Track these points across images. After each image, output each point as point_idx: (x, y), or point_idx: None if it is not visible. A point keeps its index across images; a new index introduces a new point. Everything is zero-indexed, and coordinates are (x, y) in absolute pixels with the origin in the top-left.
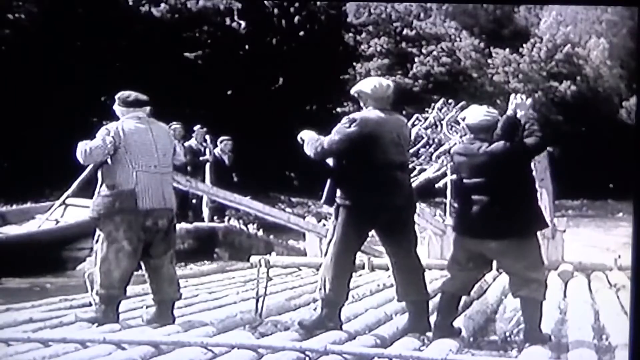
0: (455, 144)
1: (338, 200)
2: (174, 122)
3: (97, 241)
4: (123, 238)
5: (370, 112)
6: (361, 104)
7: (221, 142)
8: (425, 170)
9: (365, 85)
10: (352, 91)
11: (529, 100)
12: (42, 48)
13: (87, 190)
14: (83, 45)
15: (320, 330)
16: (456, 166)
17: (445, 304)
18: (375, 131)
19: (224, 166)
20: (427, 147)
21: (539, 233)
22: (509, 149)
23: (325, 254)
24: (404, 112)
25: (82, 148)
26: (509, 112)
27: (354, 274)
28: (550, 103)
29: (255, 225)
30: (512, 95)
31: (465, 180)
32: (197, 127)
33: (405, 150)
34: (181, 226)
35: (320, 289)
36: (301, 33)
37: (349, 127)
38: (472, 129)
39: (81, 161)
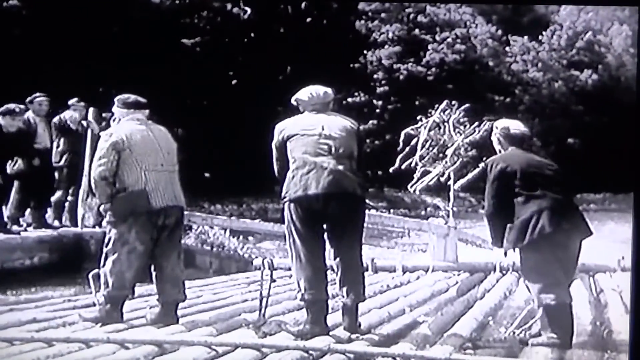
0: (459, 145)
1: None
2: (39, 94)
3: (106, 244)
4: (135, 239)
5: (290, 118)
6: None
7: (30, 102)
8: (429, 172)
9: (302, 94)
10: (292, 100)
11: None
12: (35, 34)
13: None
14: (77, 32)
15: (307, 337)
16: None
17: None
18: (291, 131)
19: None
20: (431, 148)
21: None
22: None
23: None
24: (416, 103)
25: (96, 168)
26: None
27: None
28: (570, 93)
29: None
30: None
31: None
32: (73, 101)
33: (342, 142)
34: (39, 233)
35: (297, 291)
36: (309, 19)
37: (273, 138)
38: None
39: (98, 178)
